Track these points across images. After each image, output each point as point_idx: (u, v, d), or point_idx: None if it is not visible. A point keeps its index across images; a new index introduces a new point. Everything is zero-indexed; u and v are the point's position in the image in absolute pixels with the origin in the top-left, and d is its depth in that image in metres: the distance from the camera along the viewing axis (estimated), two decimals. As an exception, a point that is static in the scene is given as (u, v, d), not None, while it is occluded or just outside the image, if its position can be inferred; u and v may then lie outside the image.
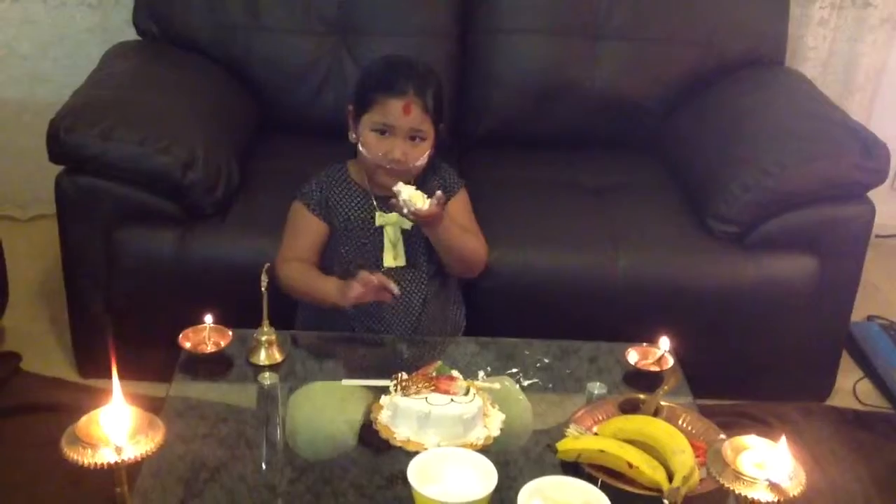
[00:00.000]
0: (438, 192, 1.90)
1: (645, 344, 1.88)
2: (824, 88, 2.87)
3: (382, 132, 1.95)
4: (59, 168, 2.27)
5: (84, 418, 1.22)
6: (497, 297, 2.29)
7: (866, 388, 2.59)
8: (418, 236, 2.03)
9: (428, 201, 1.88)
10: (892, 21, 3.05)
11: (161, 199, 2.25)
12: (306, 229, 2.03)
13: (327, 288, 1.96)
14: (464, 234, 2.04)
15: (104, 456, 1.19)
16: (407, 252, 2.04)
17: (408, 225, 2.01)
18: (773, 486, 1.20)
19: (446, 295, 2.13)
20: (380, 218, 2.01)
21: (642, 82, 2.75)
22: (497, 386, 1.70)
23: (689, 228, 2.39)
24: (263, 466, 1.63)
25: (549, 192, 2.53)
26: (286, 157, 2.57)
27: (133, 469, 1.38)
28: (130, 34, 2.77)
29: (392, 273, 2.00)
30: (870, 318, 2.87)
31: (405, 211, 1.87)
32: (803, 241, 2.34)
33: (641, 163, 2.70)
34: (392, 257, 2.02)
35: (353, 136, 2.01)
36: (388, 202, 1.93)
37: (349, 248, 2.03)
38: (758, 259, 2.33)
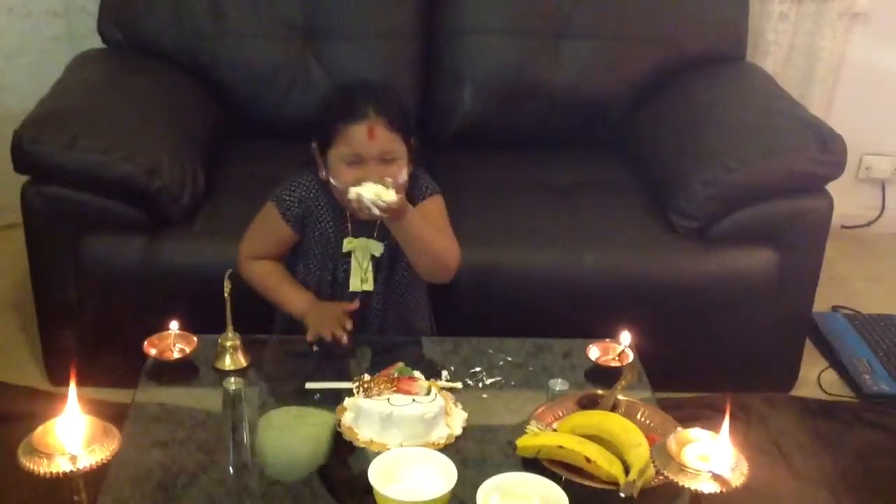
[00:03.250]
0: (388, 179, 1.82)
1: (607, 340, 1.90)
2: (785, 82, 2.91)
3: (353, 162, 1.85)
4: (25, 177, 2.28)
5: (40, 428, 1.23)
6: (464, 296, 2.31)
7: (830, 378, 2.63)
8: (385, 264, 1.99)
9: (391, 191, 1.79)
10: (849, 14, 3.10)
11: (127, 207, 2.27)
12: (277, 236, 2.00)
13: (295, 305, 1.98)
14: (434, 232, 1.94)
15: (59, 465, 1.20)
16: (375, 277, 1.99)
17: (378, 252, 1.96)
18: (717, 478, 1.23)
19: (408, 305, 2.08)
20: (347, 243, 1.96)
21: (605, 80, 2.77)
22: (459, 385, 1.73)
23: (653, 224, 2.42)
24: (231, 469, 1.64)
25: (514, 191, 2.55)
26: (254, 162, 2.58)
27: (99, 476, 1.39)
28: (96, 42, 2.77)
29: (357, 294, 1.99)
30: (834, 308, 2.91)
31: (376, 211, 1.79)
32: (763, 235, 2.38)
33: (606, 160, 2.73)
34: (360, 281, 1.98)
35: (324, 173, 1.92)
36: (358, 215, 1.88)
37: (316, 263, 2.01)
38: (719, 253, 2.36)
